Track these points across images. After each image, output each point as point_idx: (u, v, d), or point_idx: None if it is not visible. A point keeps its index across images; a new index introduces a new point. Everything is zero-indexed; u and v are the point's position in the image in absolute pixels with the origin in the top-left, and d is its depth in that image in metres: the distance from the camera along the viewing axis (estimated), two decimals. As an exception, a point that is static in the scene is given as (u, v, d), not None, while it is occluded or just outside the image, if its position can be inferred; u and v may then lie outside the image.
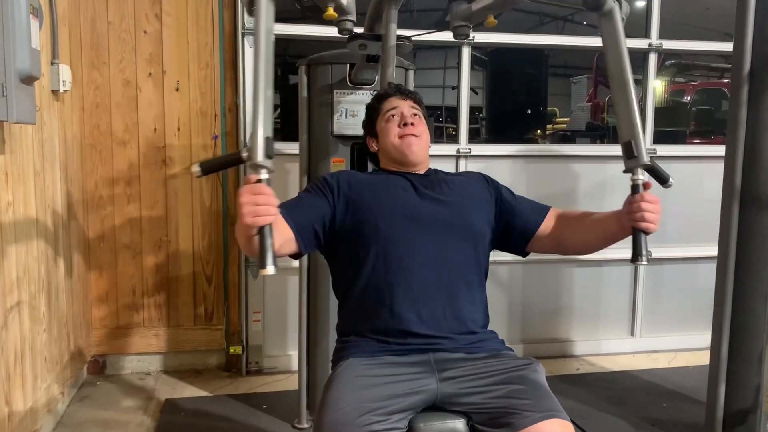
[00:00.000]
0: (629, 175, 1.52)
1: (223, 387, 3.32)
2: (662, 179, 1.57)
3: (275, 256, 1.29)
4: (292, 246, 1.63)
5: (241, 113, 3.36)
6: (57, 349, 2.88)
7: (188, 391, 3.26)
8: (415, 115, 1.85)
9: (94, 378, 3.37)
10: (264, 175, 1.31)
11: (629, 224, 1.51)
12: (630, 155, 1.48)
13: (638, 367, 3.68)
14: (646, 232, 1.48)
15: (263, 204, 1.29)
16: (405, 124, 1.81)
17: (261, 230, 1.29)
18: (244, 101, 3.34)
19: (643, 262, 1.46)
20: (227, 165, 1.51)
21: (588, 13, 1.54)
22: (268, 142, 1.30)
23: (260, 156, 1.29)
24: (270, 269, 1.27)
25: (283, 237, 1.58)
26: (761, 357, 2.53)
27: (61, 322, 2.95)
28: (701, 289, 3.71)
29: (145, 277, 3.45)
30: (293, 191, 3.38)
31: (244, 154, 1.32)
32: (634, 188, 1.51)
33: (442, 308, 1.67)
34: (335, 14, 1.71)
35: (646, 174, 1.53)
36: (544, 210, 1.83)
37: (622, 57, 1.52)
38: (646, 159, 1.48)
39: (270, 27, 1.38)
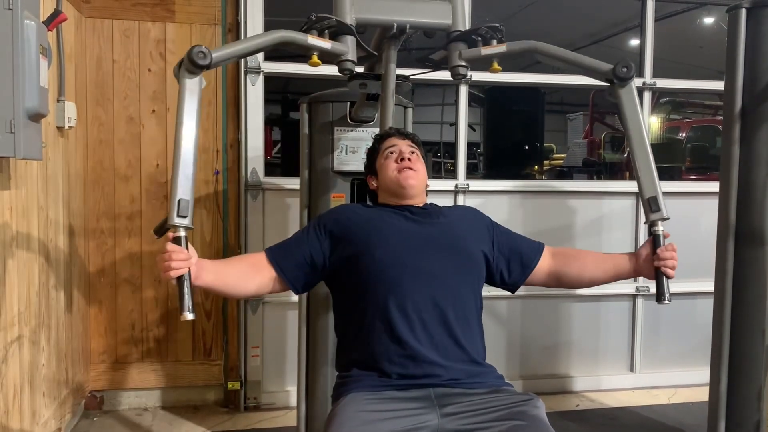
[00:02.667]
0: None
1: (221, 423, 3.29)
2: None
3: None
4: (277, 285, 1.77)
5: (242, 149, 3.40)
6: (55, 383, 2.87)
7: (186, 427, 3.23)
8: (412, 152, 1.92)
9: (91, 413, 3.35)
10: (180, 232, 1.51)
11: (650, 268, 1.75)
12: (654, 209, 1.73)
13: (638, 403, 3.66)
14: (669, 277, 1.73)
15: (173, 260, 1.46)
16: (402, 159, 1.88)
17: (179, 281, 1.47)
18: (246, 137, 3.39)
19: (667, 302, 1.70)
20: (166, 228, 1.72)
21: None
22: (182, 204, 1.51)
23: (174, 218, 1.51)
24: (188, 315, 1.45)
25: (260, 278, 1.74)
26: (760, 393, 2.53)
27: (60, 356, 2.94)
28: (700, 324, 3.71)
29: (144, 311, 3.45)
30: (294, 226, 3.40)
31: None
32: (656, 238, 1.74)
33: (440, 334, 1.68)
34: (319, 62, 1.83)
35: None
36: (540, 247, 1.92)
37: (640, 122, 1.76)
38: (666, 213, 1.73)
39: (193, 106, 1.59)
